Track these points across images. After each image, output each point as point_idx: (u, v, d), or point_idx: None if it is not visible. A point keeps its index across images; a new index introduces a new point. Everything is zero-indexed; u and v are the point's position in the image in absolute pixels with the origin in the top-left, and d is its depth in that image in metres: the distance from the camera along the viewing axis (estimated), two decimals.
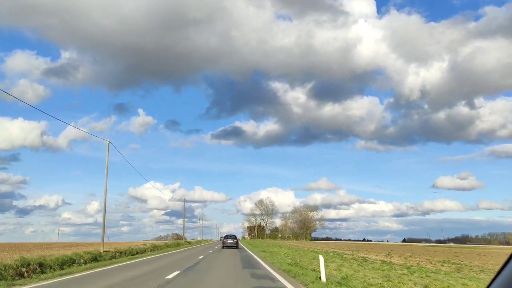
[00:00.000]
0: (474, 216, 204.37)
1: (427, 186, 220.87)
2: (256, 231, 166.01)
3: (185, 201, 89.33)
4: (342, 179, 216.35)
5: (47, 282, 13.18)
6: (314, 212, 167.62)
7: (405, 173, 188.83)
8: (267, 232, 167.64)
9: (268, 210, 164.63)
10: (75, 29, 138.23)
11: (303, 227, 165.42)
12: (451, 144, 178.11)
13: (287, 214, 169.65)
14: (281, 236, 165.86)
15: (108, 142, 26.89)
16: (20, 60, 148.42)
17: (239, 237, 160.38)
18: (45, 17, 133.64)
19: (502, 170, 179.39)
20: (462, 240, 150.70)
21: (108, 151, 26.29)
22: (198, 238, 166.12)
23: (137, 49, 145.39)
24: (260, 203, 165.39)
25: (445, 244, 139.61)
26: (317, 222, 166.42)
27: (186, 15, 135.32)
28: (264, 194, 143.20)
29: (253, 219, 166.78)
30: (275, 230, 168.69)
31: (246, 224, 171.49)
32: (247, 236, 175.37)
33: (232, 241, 48.64)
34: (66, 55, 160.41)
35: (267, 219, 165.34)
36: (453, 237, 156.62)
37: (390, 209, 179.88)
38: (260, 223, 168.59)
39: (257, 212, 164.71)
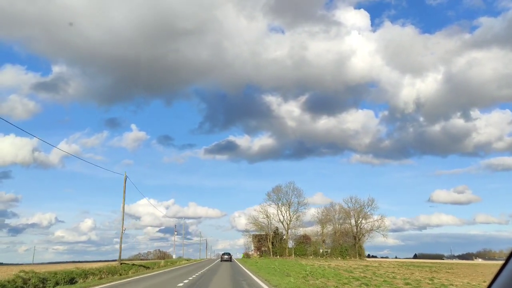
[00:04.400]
0: (470, 230, 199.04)
1: (423, 200, 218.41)
2: (270, 243, 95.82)
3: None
4: (338, 193, 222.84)
5: None
6: (369, 210, 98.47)
7: (400, 187, 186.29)
8: (290, 244, 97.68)
9: (292, 205, 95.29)
10: (63, 41, 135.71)
11: (354, 237, 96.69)
12: (447, 157, 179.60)
13: (320, 217, 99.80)
14: (314, 252, 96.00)
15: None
16: (10, 75, 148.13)
17: (240, 254, 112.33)
18: (31, 29, 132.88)
19: (498, 183, 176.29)
20: (485, 255, 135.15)
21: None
22: (176, 256, 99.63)
23: (126, 61, 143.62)
24: (277, 191, 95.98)
25: (474, 261, 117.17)
26: (377, 229, 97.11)
27: (176, 26, 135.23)
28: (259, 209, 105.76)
29: (263, 220, 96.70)
30: (303, 240, 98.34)
31: (253, 230, 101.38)
32: (252, 252, 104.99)
33: (227, 257, 66.21)
34: (56, 70, 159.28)
35: (290, 220, 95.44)
36: (474, 252, 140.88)
37: (386, 224, 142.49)
38: (277, 229, 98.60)
39: (272, 209, 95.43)
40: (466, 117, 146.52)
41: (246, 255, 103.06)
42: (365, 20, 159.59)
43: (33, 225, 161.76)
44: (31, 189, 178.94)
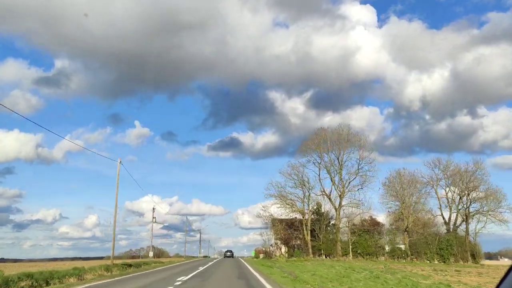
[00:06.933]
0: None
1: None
2: (309, 232, 52.64)
3: None
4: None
5: None
6: (480, 175, 54.79)
7: None
8: (344, 235, 54.41)
9: (344, 165, 52.44)
10: (65, 36, 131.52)
11: (445, 222, 53.98)
12: (453, 155, 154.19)
13: (396, 188, 56.50)
14: (390, 250, 52.58)
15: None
16: (13, 70, 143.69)
17: (249, 251, 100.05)
18: (33, 23, 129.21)
19: (504, 182, 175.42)
20: (507, 254, 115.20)
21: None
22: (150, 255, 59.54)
23: (129, 56, 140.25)
24: (317, 141, 53.18)
25: (500, 261, 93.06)
26: (492, 213, 53.78)
27: (180, 20, 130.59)
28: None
29: (296, 193, 53.84)
30: (368, 228, 54.61)
31: (273, 209, 57.89)
32: (273, 248, 61.83)
33: (230, 253, 74.90)
34: (58, 65, 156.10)
35: (344, 191, 52.43)
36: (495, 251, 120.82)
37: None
38: (319, 208, 55.40)
39: (311, 172, 52.87)
40: (473, 114, 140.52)
41: (266, 254, 60.23)
42: (371, 15, 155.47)
43: (37, 221, 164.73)
44: (35, 185, 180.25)
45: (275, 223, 56.10)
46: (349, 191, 53.25)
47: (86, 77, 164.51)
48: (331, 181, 54.66)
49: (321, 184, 55.36)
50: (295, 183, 54.91)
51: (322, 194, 55.25)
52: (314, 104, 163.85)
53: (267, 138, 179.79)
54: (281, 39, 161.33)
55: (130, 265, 29.92)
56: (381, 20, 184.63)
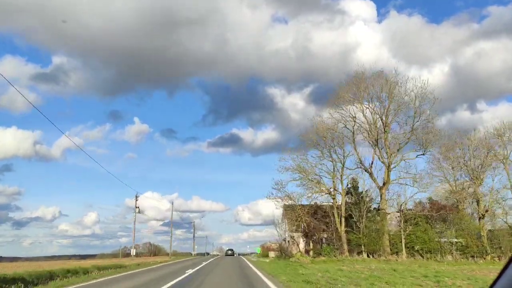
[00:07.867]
0: None
1: None
2: (342, 220, 35.94)
3: None
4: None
5: None
6: None
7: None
8: (393, 222, 37.65)
9: (392, 122, 35.56)
10: (63, 32, 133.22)
11: None
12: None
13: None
14: (460, 246, 35.75)
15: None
16: (10, 67, 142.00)
17: (252, 247, 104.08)
18: (30, 18, 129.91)
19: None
20: None
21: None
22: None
23: (128, 52, 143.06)
24: (356, 83, 36.15)
25: None
26: None
27: (179, 16, 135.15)
28: (262, 204, 72.54)
29: (322, 162, 37.10)
30: (427, 210, 37.94)
31: (291, 187, 40.80)
32: (287, 243, 45.23)
33: (230, 252, 77.90)
34: (56, 61, 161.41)
35: (391, 158, 36.02)
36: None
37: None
38: (356, 184, 38.75)
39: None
40: (472, 109, 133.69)
41: (281, 252, 43.89)
42: (371, 10, 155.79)
43: (37, 219, 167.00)
44: (34, 182, 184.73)
45: (294, 207, 39.64)
46: (401, 160, 36.97)
47: (84, 74, 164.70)
48: (373, 147, 38.33)
49: (357, 153, 38.99)
50: (321, 150, 38.53)
51: (360, 167, 38.93)
52: (314, 100, 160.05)
53: (267, 134, 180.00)
54: (280, 35, 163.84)
55: (12, 279, 13.41)
56: (381, 15, 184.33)
